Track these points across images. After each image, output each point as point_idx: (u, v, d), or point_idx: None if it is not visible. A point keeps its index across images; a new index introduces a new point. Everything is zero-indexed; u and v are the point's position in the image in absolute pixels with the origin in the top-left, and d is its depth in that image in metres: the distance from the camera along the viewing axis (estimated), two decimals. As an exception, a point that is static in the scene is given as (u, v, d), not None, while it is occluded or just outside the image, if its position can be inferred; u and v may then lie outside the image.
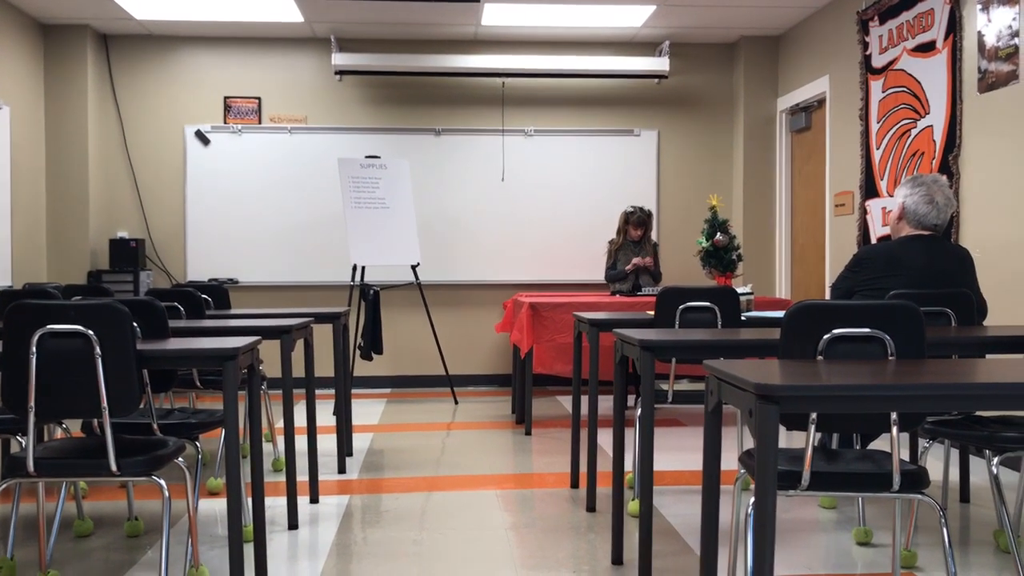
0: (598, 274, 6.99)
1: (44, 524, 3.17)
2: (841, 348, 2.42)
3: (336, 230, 7.35)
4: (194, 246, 7.53)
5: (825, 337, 2.39)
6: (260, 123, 7.61)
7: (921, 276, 3.53)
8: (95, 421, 3.20)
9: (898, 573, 2.96)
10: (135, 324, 2.68)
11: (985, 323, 3.64)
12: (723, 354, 3.02)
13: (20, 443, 3.10)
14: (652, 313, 4.07)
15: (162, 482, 2.67)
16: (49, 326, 2.55)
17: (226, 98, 7.60)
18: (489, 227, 7.70)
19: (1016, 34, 4.58)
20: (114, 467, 2.62)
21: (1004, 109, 4.71)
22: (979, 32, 4.89)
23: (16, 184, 6.63)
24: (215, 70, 7.59)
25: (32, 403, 2.57)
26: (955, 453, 4.18)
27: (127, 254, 7.17)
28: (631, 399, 5.90)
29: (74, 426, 3.93)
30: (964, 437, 3.02)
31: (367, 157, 7.14)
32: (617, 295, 6.27)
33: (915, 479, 2.41)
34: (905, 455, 3.97)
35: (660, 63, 7.55)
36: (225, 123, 7.58)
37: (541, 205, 7.73)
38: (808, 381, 1.95)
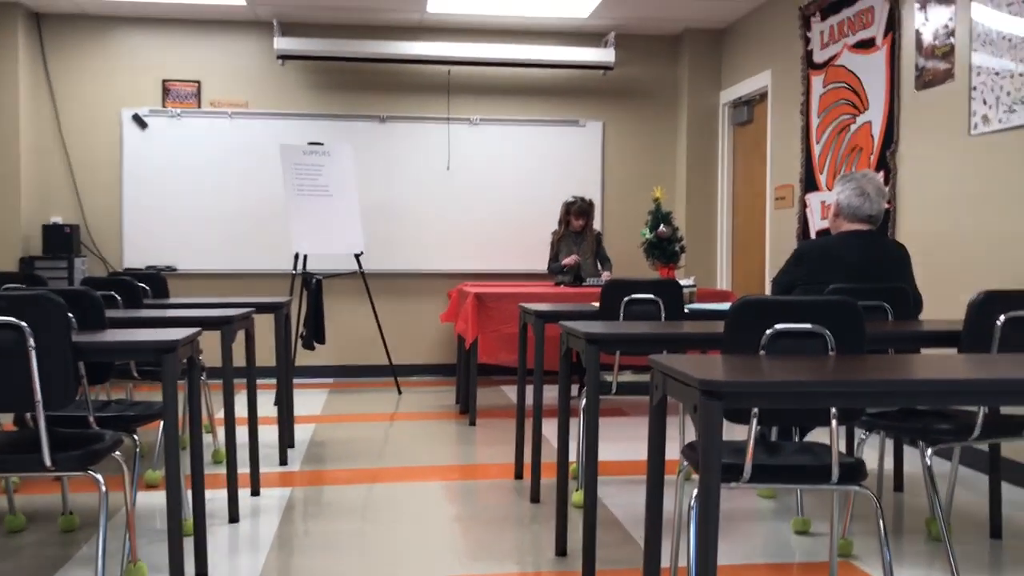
0: (543, 264, 7.00)
1: (-26, 520, 3.08)
2: (783, 343, 2.45)
3: (278, 217, 7.25)
4: (131, 232, 7.36)
5: (768, 332, 2.42)
6: (200, 107, 7.46)
7: (859, 270, 3.60)
8: (28, 414, 3.12)
9: (835, 562, 3.03)
10: (70, 315, 2.61)
11: (921, 317, 3.73)
12: (667, 348, 3.05)
13: (-52, 437, 3.00)
14: (597, 304, 4.09)
15: (99, 477, 2.61)
16: (-20, 317, 2.47)
17: (164, 81, 7.43)
18: (434, 216, 7.67)
19: (952, 33, 4.69)
20: (48, 462, 2.55)
21: (940, 106, 4.82)
22: (917, 30, 4.99)
23: (-56, 167, 6.40)
24: (153, 52, 7.42)
25: (-39, 397, 2.49)
26: (890, 443, 4.28)
27: (61, 240, 6.98)
28: (575, 390, 5.93)
29: (5, 419, 3.82)
30: (900, 429, 3.10)
31: (310, 144, 7.04)
32: (561, 285, 6.29)
33: (853, 471, 2.46)
34: (842, 445, 4.06)
35: (606, 54, 7.57)
36: (163, 107, 7.41)
37: (486, 194, 7.71)
38: (752, 377, 1.97)
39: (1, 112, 6.95)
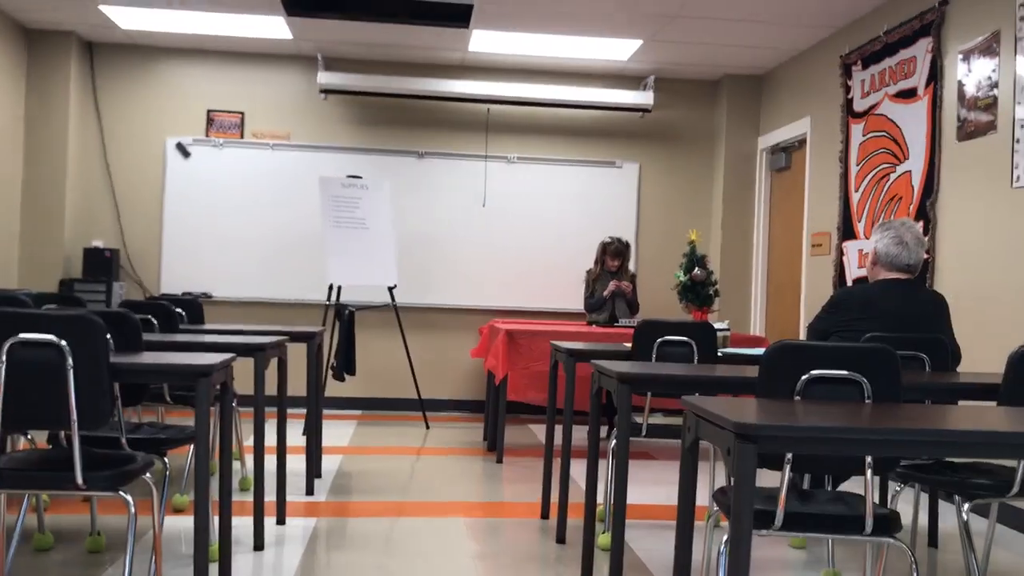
0: (575, 303, 6.99)
1: (3, 537, 3.10)
2: (818, 389, 2.43)
3: (314, 248, 7.32)
4: (169, 258, 7.46)
5: (803, 377, 2.40)
6: (242, 138, 7.58)
7: (896, 320, 3.56)
8: (62, 433, 3.15)
9: (866, 616, 2.96)
10: (108, 336, 2.65)
11: (958, 369, 3.67)
12: (699, 390, 3.02)
13: (-17, 452, 3.04)
14: (629, 345, 4.07)
15: (129, 498, 2.62)
16: (21, 335, 2.50)
17: (209, 111, 7.57)
18: (468, 252, 7.70)
19: (995, 85, 4.66)
20: (80, 480, 2.57)
21: (982, 158, 4.78)
22: (959, 81, 4.97)
23: (-9, 188, 6.55)
24: (199, 83, 7.57)
25: (-1, 412, 2.52)
26: (925, 497, 4.20)
27: (101, 264, 7.09)
28: (603, 431, 5.89)
29: (40, 437, 3.85)
30: (935, 482, 3.04)
31: (348, 176, 7.12)
32: (594, 325, 6.27)
33: (887, 523, 2.42)
34: (876, 497, 3.98)
35: (644, 97, 7.61)
36: (207, 136, 7.54)
37: (521, 232, 7.74)
38: (787, 421, 1.95)
39: (52, 137, 7.12)
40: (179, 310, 4.64)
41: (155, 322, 4.14)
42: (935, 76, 5.19)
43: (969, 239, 4.88)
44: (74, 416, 2.53)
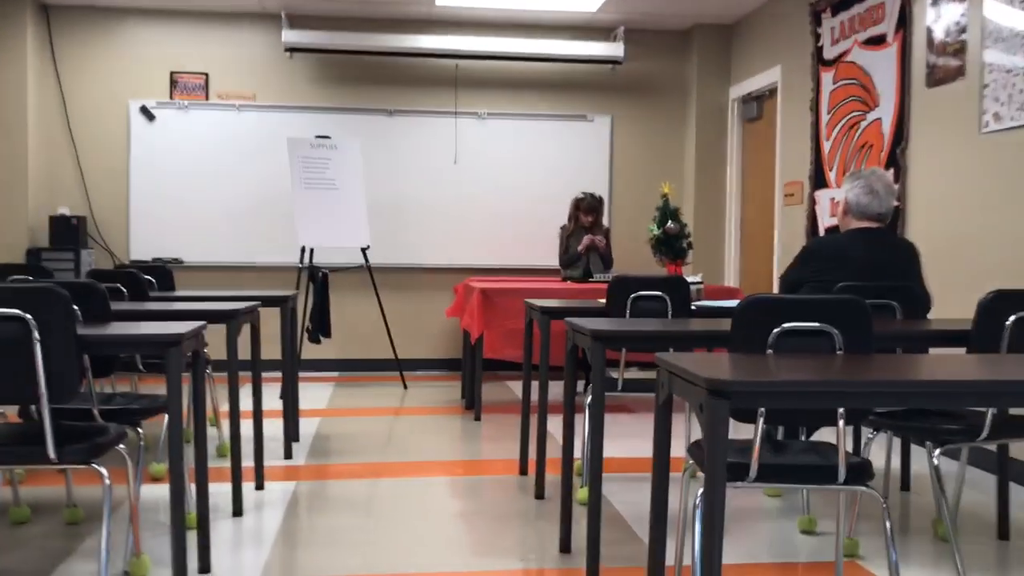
0: (549, 260, 6.98)
1: (-22, 511, 3.08)
2: (790, 342, 2.43)
3: (284, 211, 7.24)
4: (138, 224, 7.36)
5: (775, 331, 2.41)
6: (207, 99, 7.45)
7: (867, 269, 3.57)
8: (33, 407, 3.12)
9: (841, 561, 3.01)
10: (75, 307, 2.61)
11: (929, 316, 3.70)
12: (673, 345, 3.03)
13: (-47, 428, 3.00)
14: (603, 301, 4.07)
15: (103, 470, 2.60)
16: (-16, 309, 2.46)
17: (172, 73, 7.43)
18: (441, 210, 7.65)
19: (964, 30, 4.65)
20: (52, 454, 2.55)
21: (951, 104, 4.78)
22: (928, 27, 4.96)
23: (-49, 157, 6.41)
24: (161, 44, 7.41)
25: (-34, 388, 2.49)
26: (897, 443, 4.26)
27: (68, 232, 6.99)
28: (580, 386, 5.92)
29: (10, 411, 3.82)
30: (907, 429, 3.07)
31: (317, 137, 7.03)
32: (568, 281, 6.27)
33: (860, 471, 2.45)
34: (849, 445, 4.04)
35: (615, 49, 7.54)
36: (171, 99, 7.41)
37: (494, 189, 7.70)
38: (759, 376, 1.96)
39: (9, 105, 6.96)
40: (149, 277, 4.59)
41: (124, 291, 4.09)
42: (904, 22, 5.17)
43: (939, 186, 4.90)
44: (43, 390, 2.50)
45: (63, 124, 7.34)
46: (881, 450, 4.34)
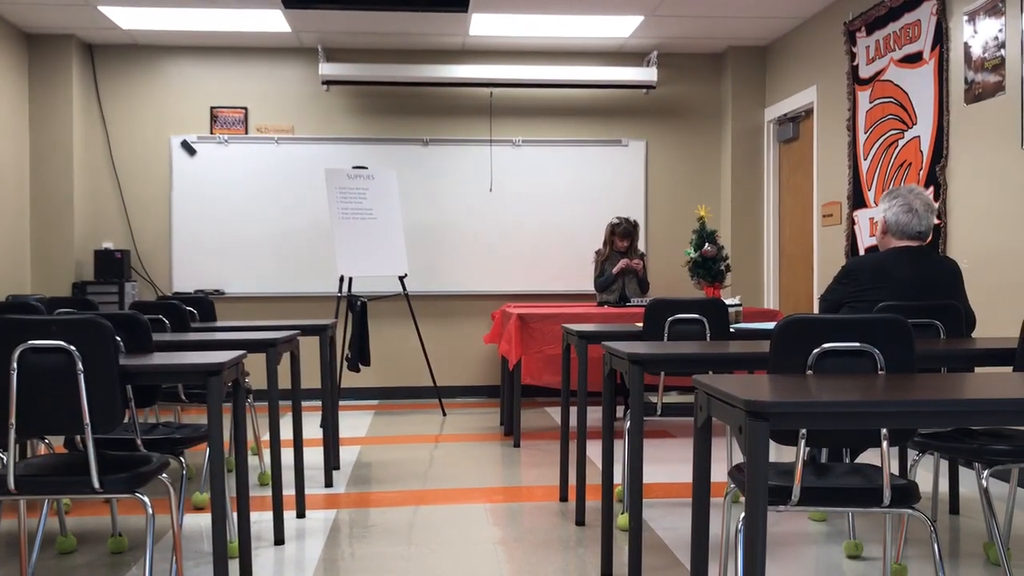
0: (586, 284, 6.97)
1: (26, 541, 3.13)
2: (831, 362, 2.40)
3: (323, 241, 7.32)
4: (180, 257, 7.48)
5: (815, 351, 2.38)
6: (247, 133, 7.57)
7: (909, 287, 3.53)
8: (78, 437, 3.16)
9: (889, 587, 2.95)
10: (118, 338, 2.65)
11: (973, 335, 3.64)
12: (712, 368, 3.01)
13: (1, 459, 3.05)
14: (640, 325, 4.05)
15: (145, 499, 2.63)
16: (31, 342, 2.51)
17: (212, 108, 7.56)
18: (477, 237, 7.68)
19: (1002, 45, 4.60)
20: (96, 484, 2.58)
21: (991, 120, 4.72)
22: (966, 43, 4.91)
23: (0, 195, 6.57)
24: (201, 80, 7.56)
25: (12, 420, 2.54)
26: (944, 464, 4.17)
27: (112, 265, 7.12)
28: (620, 410, 5.88)
29: (57, 441, 3.88)
30: (954, 450, 3.01)
31: (354, 168, 7.11)
32: (605, 306, 6.25)
33: (905, 493, 2.40)
34: (895, 467, 3.96)
35: (648, 73, 7.55)
36: (211, 133, 7.54)
37: (529, 215, 7.72)
38: (798, 397, 1.93)
39: (56, 141, 7.13)
40: (191, 308, 4.65)
41: (166, 322, 4.15)
42: (940, 39, 5.13)
43: (980, 203, 4.83)
44: (87, 420, 2.54)
45: (107, 160, 7.50)
46: (928, 472, 4.26)
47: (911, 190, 3.69)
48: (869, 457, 3.38)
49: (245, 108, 7.58)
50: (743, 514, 1.95)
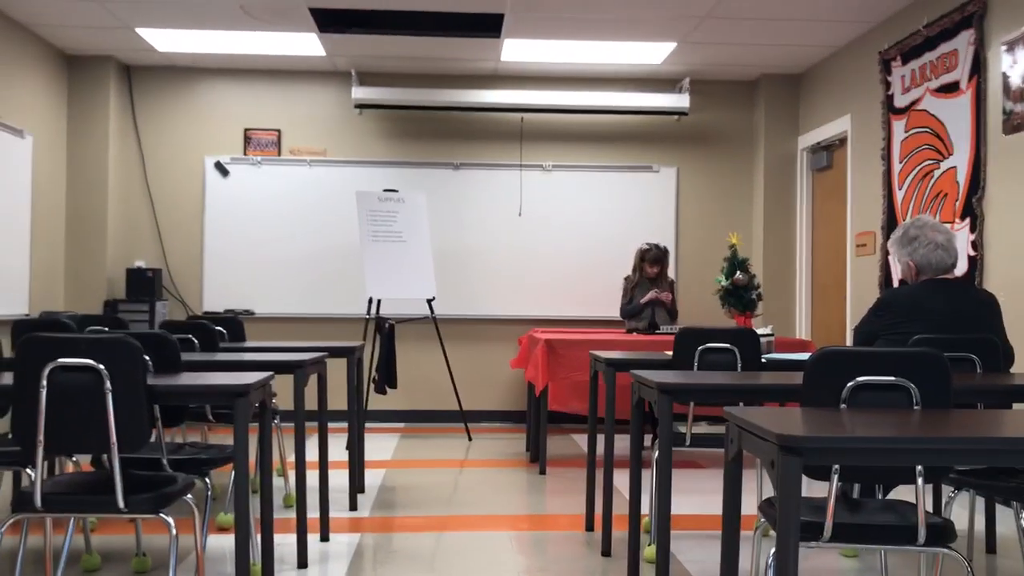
0: (615, 310, 6.93)
1: (51, 558, 3.13)
2: (865, 396, 2.36)
3: (353, 263, 7.34)
4: (211, 276, 7.53)
5: (849, 385, 2.33)
6: (279, 155, 7.64)
7: (945, 321, 3.46)
8: (105, 455, 3.17)
9: (922, 628, 2.87)
10: (147, 358, 2.66)
11: (1012, 370, 3.56)
12: (743, 399, 2.97)
13: (30, 476, 3.06)
14: (670, 353, 4.01)
15: (170, 520, 2.62)
16: (60, 360, 2.52)
17: (246, 130, 7.64)
18: (505, 262, 7.68)
19: (1041, 76, 4.53)
20: (121, 504, 2.58)
21: (1029, 151, 4.65)
22: (1004, 73, 4.85)
23: (36, 212, 6.66)
24: (236, 102, 7.64)
25: (41, 437, 2.54)
26: (981, 502, 4.08)
27: (143, 284, 7.18)
28: (648, 439, 5.82)
29: (85, 459, 3.89)
30: (991, 488, 2.94)
31: (385, 190, 7.14)
32: (634, 333, 6.21)
33: (941, 533, 2.34)
34: (929, 504, 3.88)
35: (680, 100, 7.53)
36: (245, 155, 7.61)
37: (558, 240, 7.70)
38: (832, 432, 1.89)
39: (92, 160, 7.23)
40: (220, 328, 4.67)
41: (195, 341, 4.16)
42: (978, 69, 5.07)
43: (1018, 235, 4.74)
44: (114, 439, 2.54)
45: (141, 179, 7.58)
46: (964, 510, 4.16)
47: (922, 225, 3.62)
48: (902, 493, 3.30)
49: (278, 130, 7.65)
50: (773, 549, 1.91)
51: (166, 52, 7.10)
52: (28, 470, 3.17)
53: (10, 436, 2.79)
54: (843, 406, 2.34)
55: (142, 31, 6.57)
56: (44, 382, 2.52)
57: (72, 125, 7.23)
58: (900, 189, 5.91)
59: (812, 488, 3.24)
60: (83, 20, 6.35)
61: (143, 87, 7.58)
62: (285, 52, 7.09)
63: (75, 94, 7.24)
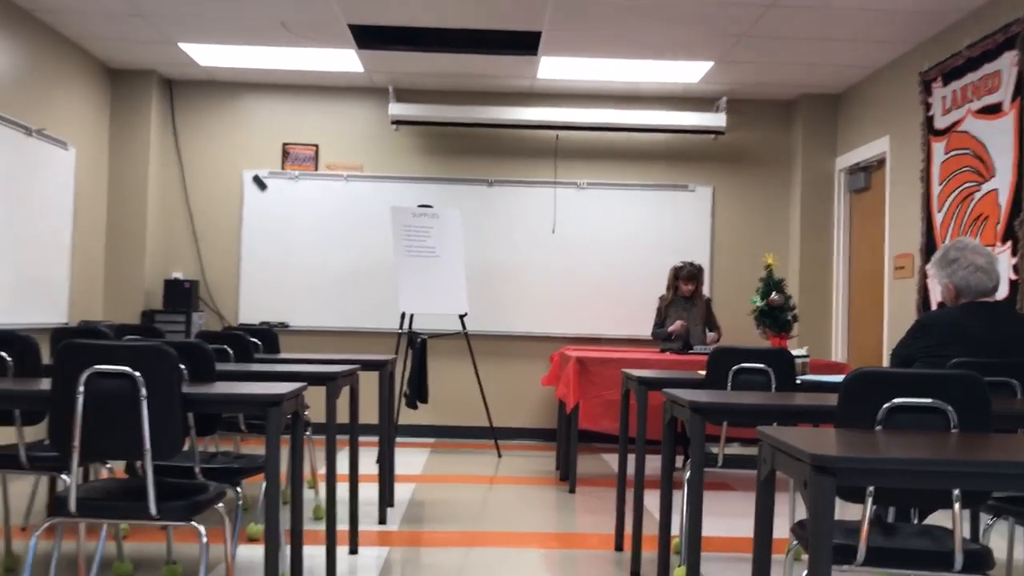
0: (648, 329, 6.90)
1: (84, 564, 3.16)
2: (901, 418, 2.32)
3: (387, 277, 7.38)
4: (247, 288, 7.61)
5: (885, 406, 2.30)
6: (317, 170, 7.71)
7: (985, 345, 3.40)
8: (138, 463, 3.20)
9: (958, 658, 2.81)
10: (182, 366, 2.68)
11: (1053, 396, 3.49)
12: (777, 419, 2.93)
13: (65, 481, 3.10)
14: (703, 372, 3.98)
15: (201, 528, 2.64)
16: (96, 366, 2.55)
17: (284, 145, 7.72)
18: (538, 279, 7.67)
19: (1086, 98, 4.47)
20: (154, 511, 2.60)
21: (1073, 174, 4.57)
22: (1047, 96, 4.78)
23: (78, 223, 6.77)
24: (275, 117, 7.73)
25: (77, 442, 2.57)
26: (1021, 530, 3.99)
27: (181, 295, 7.26)
28: (679, 460, 5.77)
29: (119, 466, 3.93)
30: (1031, 516, 2.88)
31: (420, 206, 7.18)
32: (667, 352, 6.17)
33: (979, 559, 2.29)
34: (966, 530, 3.80)
35: (717, 119, 7.51)
36: (283, 169, 7.70)
37: (592, 258, 7.69)
38: (867, 453, 1.86)
39: (133, 172, 7.34)
40: (255, 340, 4.71)
41: (230, 352, 4.20)
42: (1021, 90, 5.01)
43: (1061, 259, 4.66)
44: (147, 446, 2.56)
45: (180, 192, 7.69)
46: (1002, 538, 4.08)
47: (963, 247, 3.56)
48: (939, 519, 3.24)
49: (316, 145, 7.73)
50: (805, 572, 1.88)
51: (207, 67, 7.21)
52: (64, 475, 3.21)
53: (47, 442, 2.83)
54: (879, 427, 2.30)
55: (184, 46, 6.68)
56: (81, 388, 2.55)
57: (114, 138, 7.35)
58: (939, 211, 5.84)
59: (846, 511, 3.19)
60: (128, 35, 6.48)
61: (184, 101, 7.70)
62: (324, 68, 7.17)
63: (117, 107, 7.37)
